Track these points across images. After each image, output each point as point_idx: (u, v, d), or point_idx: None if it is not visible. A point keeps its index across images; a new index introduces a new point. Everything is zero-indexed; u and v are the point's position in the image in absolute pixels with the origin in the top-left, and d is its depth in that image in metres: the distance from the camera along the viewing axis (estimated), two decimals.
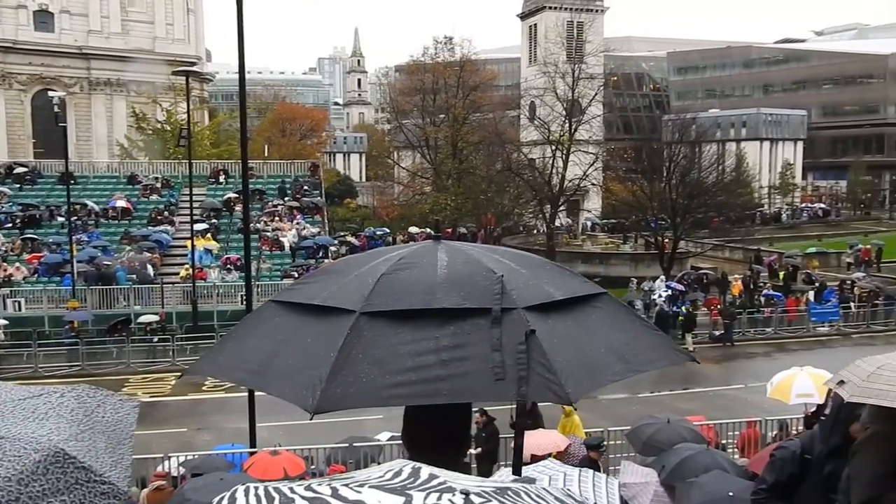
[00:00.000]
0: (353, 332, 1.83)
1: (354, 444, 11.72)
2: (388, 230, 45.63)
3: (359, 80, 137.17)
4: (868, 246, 43.47)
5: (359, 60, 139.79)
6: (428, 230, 48.15)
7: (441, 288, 1.92)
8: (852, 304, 31.59)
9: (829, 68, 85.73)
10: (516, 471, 2.15)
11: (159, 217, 34.75)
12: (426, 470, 1.39)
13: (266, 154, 47.57)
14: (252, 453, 11.21)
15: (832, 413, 4.04)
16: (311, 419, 1.83)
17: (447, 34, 53.87)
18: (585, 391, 1.88)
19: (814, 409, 8.77)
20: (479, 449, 11.46)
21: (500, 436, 11.81)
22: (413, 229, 47.11)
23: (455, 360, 1.79)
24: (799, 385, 10.01)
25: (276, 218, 35.32)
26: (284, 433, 14.74)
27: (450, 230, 48.54)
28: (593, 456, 7.77)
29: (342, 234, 44.29)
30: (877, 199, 76.26)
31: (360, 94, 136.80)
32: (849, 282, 34.13)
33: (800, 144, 77.14)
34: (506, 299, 1.91)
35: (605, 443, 10.02)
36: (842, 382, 2.99)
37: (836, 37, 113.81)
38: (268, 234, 33.58)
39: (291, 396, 1.81)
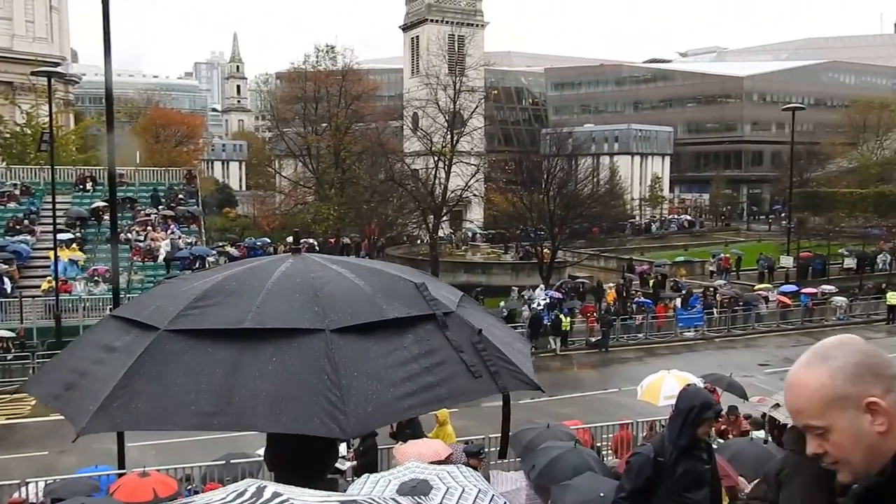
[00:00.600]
0: (337, 350, 1.74)
1: (232, 461, 11.29)
2: (269, 240, 44.57)
3: (238, 87, 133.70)
4: (728, 255, 46.46)
5: (238, 66, 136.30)
6: (311, 241, 47.49)
7: (379, 299, 1.89)
8: (714, 310, 33.65)
9: (692, 88, 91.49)
10: (503, 456, 2.10)
11: (18, 226, 32.39)
12: (271, 488, 1.35)
13: (138, 160, 45.37)
14: (120, 475, 10.59)
15: (680, 416, 4.24)
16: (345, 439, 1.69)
17: (329, 43, 53.34)
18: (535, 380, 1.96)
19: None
20: (355, 462, 11.32)
21: (380, 447, 11.74)
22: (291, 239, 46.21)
23: (436, 365, 1.79)
24: (667, 387, 10.53)
25: (149, 227, 33.74)
26: (157, 452, 14.07)
27: (333, 240, 48.05)
28: (473, 463, 7.83)
29: (220, 244, 42.86)
30: (736, 211, 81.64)
31: (239, 101, 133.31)
32: (712, 289, 36.32)
33: (667, 159, 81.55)
34: (439, 304, 1.94)
35: (486, 450, 10.13)
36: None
37: (699, 58, 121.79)
38: (140, 244, 32.03)
39: (310, 427, 1.62)
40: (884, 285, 37.65)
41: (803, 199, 58.49)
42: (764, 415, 9.00)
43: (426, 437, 11.36)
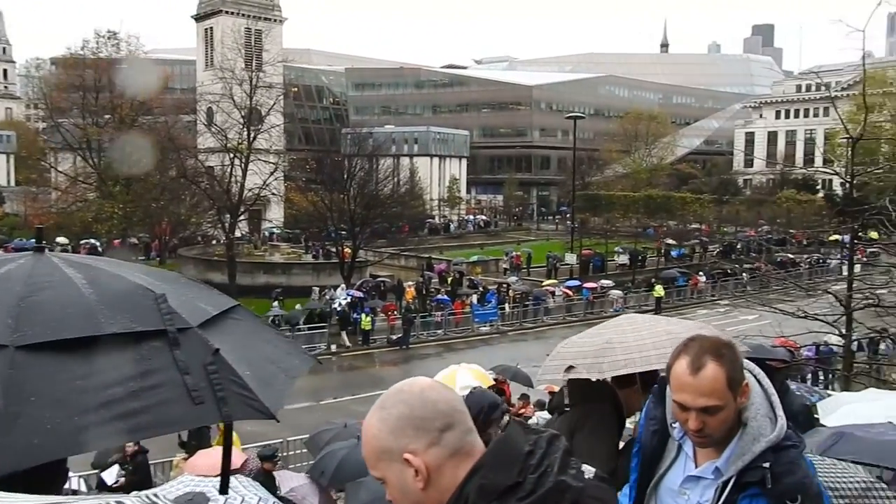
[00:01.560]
0: (18, 371, 1.49)
1: None
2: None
3: (5, 71, 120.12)
4: (520, 253, 49.13)
5: (4, 48, 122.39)
6: (93, 241, 43.71)
7: (101, 311, 1.67)
8: (507, 306, 35.45)
9: (486, 94, 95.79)
10: (223, 490, 1.95)
11: None
12: None
13: None
14: None
15: (477, 411, 4.37)
16: None
17: (112, 29, 49.29)
18: (278, 404, 1.80)
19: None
20: (124, 479, 10.55)
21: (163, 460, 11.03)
22: (61, 239, 42.38)
23: (147, 389, 1.60)
24: (462, 380, 10.90)
25: None
26: None
27: (118, 241, 44.59)
28: (267, 467, 7.57)
29: None
30: (527, 212, 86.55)
31: (6, 87, 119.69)
32: (505, 285, 38.22)
33: (464, 161, 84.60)
34: (177, 319, 1.75)
35: (281, 453, 9.86)
36: (571, 368, 3.22)
37: (492, 66, 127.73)
38: None
39: None
40: (652, 279, 41.77)
41: (585, 200, 63.42)
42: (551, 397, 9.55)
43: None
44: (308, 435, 9.43)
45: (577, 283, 39.62)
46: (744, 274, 43.49)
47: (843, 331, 11.31)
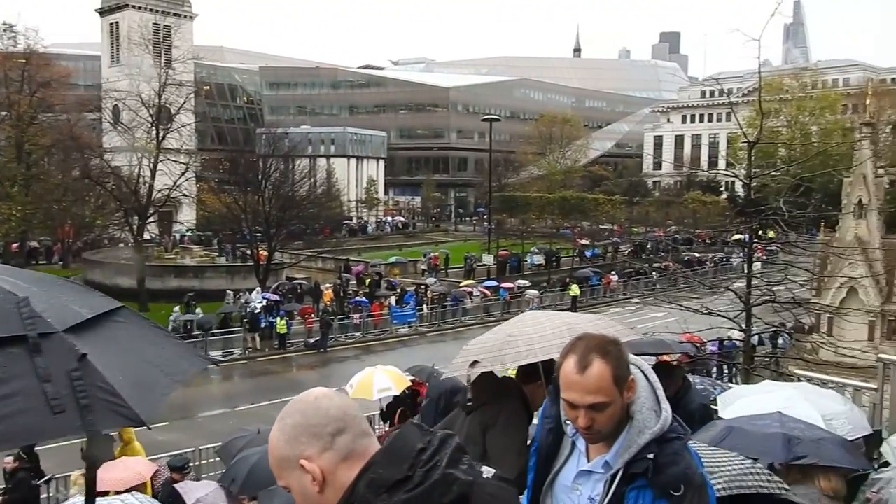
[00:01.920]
0: None
1: None
2: None
3: None
4: (438, 254, 49.34)
5: None
6: None
7: None
8: (425, 307, 35.55)
9: (403, 95, 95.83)
10: None
11: None
12: None
13: None
14: None
15: (432, 404, 4.37)
16: None
17: (8, 21, 46.64)
18: (154, 411, 1.73)
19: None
20: (1, 499, 10.00)
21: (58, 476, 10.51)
22: None
23: (0, 399, 1.52)
24: (378, 382, 10.87)
25: None
26: None
27: (15, 245, 42.32)
28: (176, 478, 7.34)
29: None
30: (445, 213, 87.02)
31: None
32: (423, 286, 38.31)
33: (381, 162, 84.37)
34: (40, 323, 1.66)
35: (193, 462, 9.58)
36: (475, 363, 3.23)
37: (409, 68, 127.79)
38: None
39: None
40: (568, 279, 42.70)
41: (501, 202, 64.28)
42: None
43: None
44: (221, 443, 9.19)
45: (494, 283, 40.12)
46: (653, 273, 45.03)
47: (744, 326, 11.86)
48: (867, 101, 27.35)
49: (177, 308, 30.68)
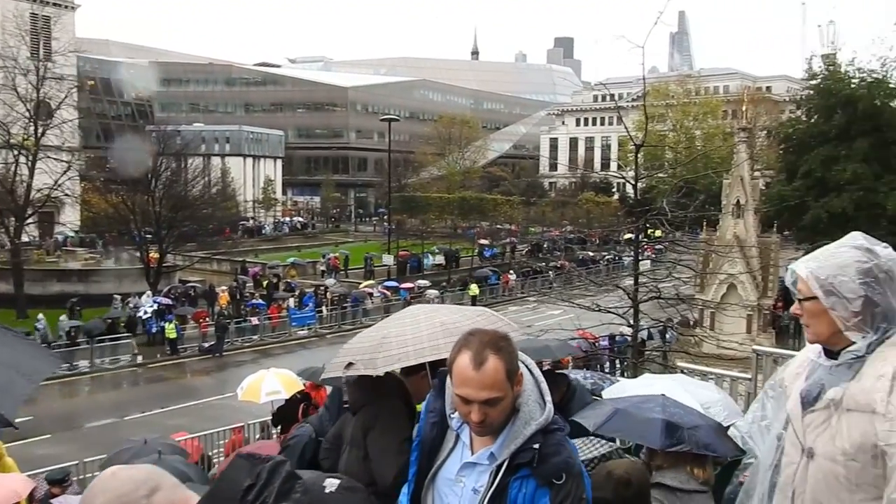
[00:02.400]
0: None
1: None
2: None
3: None
4: (337, 255, 48.89)
5: None
6: None
7: None
8: (325, 308, 35.17)
9: (301, 94, 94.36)
10: None
11: None
12: None
13: None
14: None
15: (336, 395, 4.28)
16: None
17: None
18: (13, 411, 1.66)
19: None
20: None
21: None
22: None
23: None
24: (267, 385, 10.72)
25: None
26: None
27: None
28: (55, 492, 6.96)
29: None
30: (345, 214, 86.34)
31: None
32: (322, 287, 37.88)
33: (279, 162, 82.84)
34: None
35: (77, 476, 9.11)
36: (350, 364, 3.18)
37: (307, 66, 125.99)
38: None
39: None
40: (467, 279, 43.23)
41: (401, 202, 64.36)
42: None
43: None
44: (106, 455, 8.79)
45: (394, 283, 40.10)
46: (550, 272, 46.21)
47: (632, 322, 12.37)
48: (744, 108, 29.04)
49: (63, 315, 29.15)
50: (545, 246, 54.99)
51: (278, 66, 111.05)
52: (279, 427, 9.96)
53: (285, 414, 9.55)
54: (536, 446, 2.18)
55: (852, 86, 31.20)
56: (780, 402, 2.44)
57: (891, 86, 31.82)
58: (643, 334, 17.18)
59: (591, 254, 53.02)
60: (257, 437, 13.33)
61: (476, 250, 52.11)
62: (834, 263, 2.18)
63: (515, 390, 2.21)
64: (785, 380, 2.44)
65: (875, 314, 2.14)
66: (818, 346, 2.28)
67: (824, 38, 67.76)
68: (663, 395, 4.25)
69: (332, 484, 1.51)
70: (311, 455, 3.98)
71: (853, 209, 28.87)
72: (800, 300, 2.28)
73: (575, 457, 2.26)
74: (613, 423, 3.99)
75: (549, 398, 2.28)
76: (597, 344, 22.50)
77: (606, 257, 50.82)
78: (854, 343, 2.17)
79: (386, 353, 3.10)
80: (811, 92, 34.54)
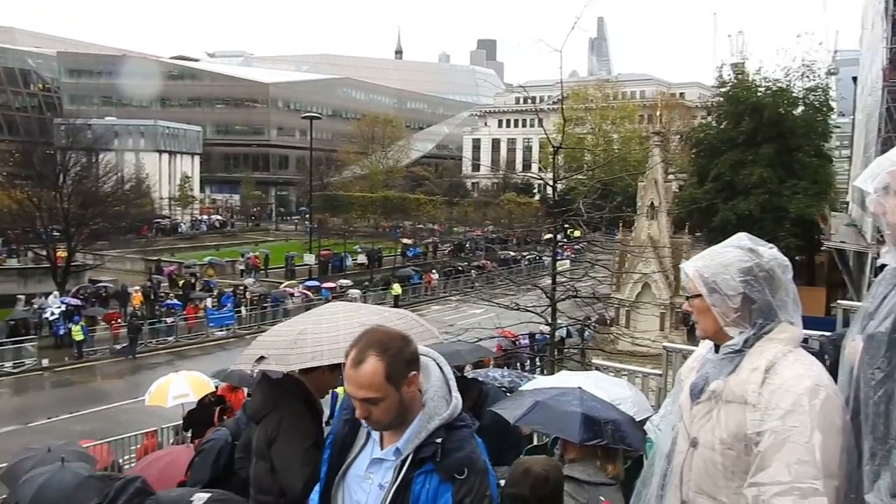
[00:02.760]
0: None
1: None
2: None
3: None
4: (257, 254, 47.97)
5: None
6: None
7: None
8: (244, 308, 34.45)
9: (220, 89, 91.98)
10: None
11: None
12: None
13: None
14: None
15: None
16: None
17: None
18: None
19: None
20: None
21: None
22: None
23: None
24: (175, 388, 10.44)
25: None
26: None
27: None
28: None
29: None
30: (265, 212, 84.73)
31: None
32: (241, 287, 37.10)
33: (197, 159, 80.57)
34: None
35: None
36: (262, 358, 3.09)
37: (227, 61, 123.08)
38: None
39: None
40: (389, 278, 43.14)
41: (323, 201, 63.65)
42: None
43: None
44: (6, 464, 8.34)
45: (316, 283, 39.65)
46: (472, 271, 46.60)
47: (549, 320, 12.62)
48: (659, 113, 29.99)
49: None
50: (467, 246, 55.40)
51: (196, 60, 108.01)
52: (190, 431, 9.68)
53: (196, 418, 9.29)
54: (439, 441, 2.21)
55: (759, 94, 32.70)
56: (678, 395, 2.54)
57: (793, 94, 33.50)
58: (562, 332, 17.55)
59: (512, 254, 53.73)
60: (171, 441, 12.96)
61: (399, 250, 52.06)
62: (718, 262, 2.29)
63: (407, 391, 2.23)
64: (682, 374, 2.55)
65: (752, 310, 2.25)
66: (710, 342, 2.39)
67: (734, 47, 70.53)
68: (580, 388, 4.31)
69: (199, 498, 1.48)
70: (226, 459, 3.87)
71: (759, 211, 30.28)
72: (688, 297, 2.39)
73: (480, 453, 2.29)
74: (534, 415, 4.03)
75: (456, 394, 2.32)
76: (517, 342, 22.87)
77: (528, 257, 51.60)
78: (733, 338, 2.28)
79: (299, 351, 3.04)
80: (721, 99, 35.98)
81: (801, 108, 33.66)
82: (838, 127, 42.64)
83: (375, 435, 2.35)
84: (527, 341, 23.47)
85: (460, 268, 47.49)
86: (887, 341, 2.01)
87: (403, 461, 2.24)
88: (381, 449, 2.33)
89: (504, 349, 16.50)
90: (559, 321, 13.09)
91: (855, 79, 41.20)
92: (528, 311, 12.24)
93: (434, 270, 46.77)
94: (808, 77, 34.15)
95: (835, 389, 2.16)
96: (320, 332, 3.10)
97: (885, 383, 2.00)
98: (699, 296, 2.31)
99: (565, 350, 17.01)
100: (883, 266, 2.20)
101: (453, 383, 2.35)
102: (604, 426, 3.89)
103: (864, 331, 2.12)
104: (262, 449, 3.09)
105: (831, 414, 2.08)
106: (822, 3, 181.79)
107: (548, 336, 19.71)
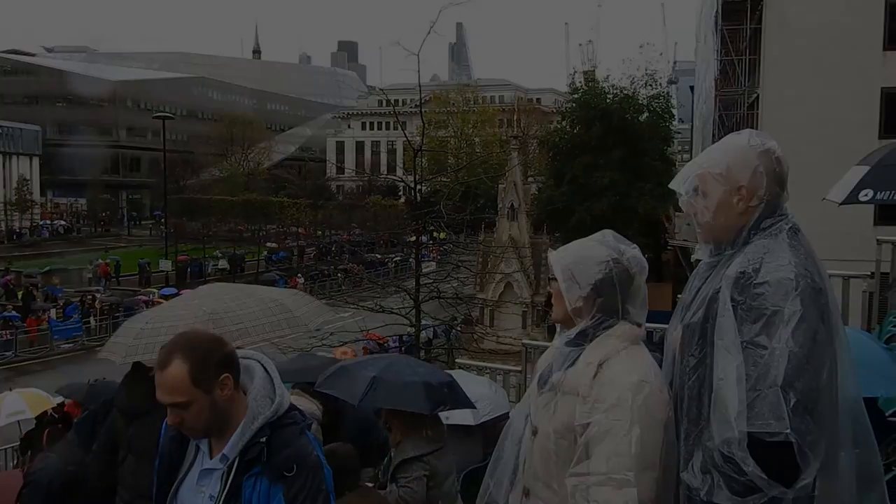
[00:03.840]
0: None
1: None
2: None
3: None
4: (107, 261, 45.31)
5: None
6: None
7: None
8: (93, 319, 32.46)
9: (61, 87, 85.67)
10: None
11: None
12: None
13: None
14: None
15: (87, 421, 3.89)
16: None
17: None
18: None
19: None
20: None
21: None
22: None
23: None
24: (9, 405, 9.88)
25: None
26: None
27: None
28: None
29: None
30: (116, 217, 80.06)
31: None
32: (90, 296, 34.93)
33: (35, 160, 75.01)
34: None
35: None
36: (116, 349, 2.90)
37: (68, 56, 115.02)
38: None
39: None
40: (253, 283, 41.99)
41: (180, 205, 60.98)
42: None
43: None
44: None
45: (173, 290, 37.85)
46: (339, 275, 46.22)
47: (414, 322, 12.79)
48: (516, 118, 31.06)
49: None
50: (333, 249, 54.86)
51: (33, 55, 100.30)
52: (27, 452, 9.02)
53: (35, 438, 8.67)
54: (264, 440, 2.15)
55: (608, 101, 34.61)
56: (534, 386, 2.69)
57: (639, 101, 35.72)
58: (429, 333, 17.80)
59: (378, 256, 53.74)
60: (13, 464, 12.01)
61: (263, 254, 50.75)
62: (581, 254, 2.40)
63: (220, 394, 2.15)
64: (539, 365, 2.68)
65: (596, 303, 2.35)
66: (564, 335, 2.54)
67: (584, 55, 74.37)
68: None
69: None
70: (59, 485, 3.64)
71: (611, 212, 32.00)
72: (550, 278, 2.50)
73: (311, 449, 2.23)
74: (377, 393, 3.93)
75: (280, 391, 2.26)
76: (385, 344, 22.93)
77: (395, 259, 51.83)
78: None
79: (148, 341, 2.92)
80: (574, 105, 37.76)
81: (645, 115, 35.93)
82: (679, 133, 45.92)
83: (203, 446, 2.27)
84: (395, 343, 23.58)
85: (326, 271, 46.97)
86: (699, 330, 2.16)
87: (230, 467, 2.17)
88: (210, 459, 2.25)
89: (371, 353, 16.50)
90: (425, 322, 13.28)
91: (692, 88, 44.50)
92: (393, 312, 12.34)
93: (300, 274, 46.00)
94: (651, 85, 36.55)
95: (661, 385, 2.26)
96: (233, 310, 2.99)
97: (697, 369, 2.15)
98: (556, 279, 2.41)
99: (432, 351, 17.26)
100: (699, 260, 2.41)
101: (278, 381, 2.29)
102: (441, 391, 3.94)
103: (683, 320, 2.29)
104: (150, 449, 2.97)
105: (653, 409, 2.17)
106: (662, 15, 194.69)
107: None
